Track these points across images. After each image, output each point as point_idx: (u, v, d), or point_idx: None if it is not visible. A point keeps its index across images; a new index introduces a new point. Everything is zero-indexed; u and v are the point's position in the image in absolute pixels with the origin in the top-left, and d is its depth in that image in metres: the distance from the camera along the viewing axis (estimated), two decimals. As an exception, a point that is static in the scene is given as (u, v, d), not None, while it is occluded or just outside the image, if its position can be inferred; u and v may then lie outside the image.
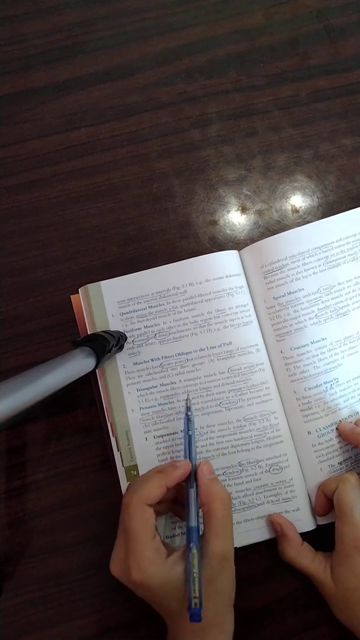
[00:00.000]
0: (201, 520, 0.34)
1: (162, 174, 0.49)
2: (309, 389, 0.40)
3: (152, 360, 0.41)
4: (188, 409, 0.39)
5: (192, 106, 0.51)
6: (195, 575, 0.30)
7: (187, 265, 0.42)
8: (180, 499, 0.37)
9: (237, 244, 0.47)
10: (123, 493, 0.39)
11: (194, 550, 0.31)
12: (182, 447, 0.40)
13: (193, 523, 0.33)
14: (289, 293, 0.41)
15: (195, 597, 0.30)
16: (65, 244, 0.47)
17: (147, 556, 0.31)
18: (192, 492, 0.34)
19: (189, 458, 0.36)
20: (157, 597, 0.32)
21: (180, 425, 0.40)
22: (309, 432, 0.40)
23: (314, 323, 0.41)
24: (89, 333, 0.41)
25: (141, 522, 0.32)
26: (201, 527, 0.34)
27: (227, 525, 0.33)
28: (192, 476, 0.35)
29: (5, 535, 0.41)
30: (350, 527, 0.34)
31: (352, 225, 0.43)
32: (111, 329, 0.42)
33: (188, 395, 0.40)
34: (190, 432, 0.37)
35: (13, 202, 0.48)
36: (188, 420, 0.38)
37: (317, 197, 0.48)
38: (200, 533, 0.33)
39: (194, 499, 0.34)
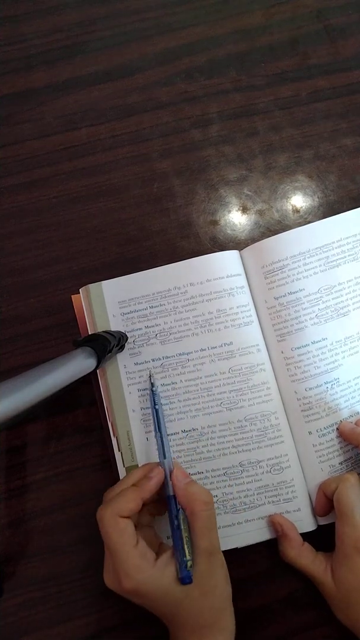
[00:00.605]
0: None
1: (163, 174, 0.49)
2: (310, 389, 0.40)
3: (153, 360, 0.41)
4: (152, 384, 0.40)
5: (192, 106, 0.50)
6: (186, 538, 0.33)
7: (187, 265, 0.42)
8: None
9: (237, 244, 0.47)
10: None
11: (182, 515, 0.34)
12: (182, 447, 0.40)
13: (171, 492, 0.35)
14: (290, 293, 0.41)
15: (188, 560, 0.32)
16: (66, 244, 0.47)
17: (133, 564, 0.31)
18: (165, 462, 0.36)
19: (159, 431, 0.38)
20: (152, 602, 0.32)
21: (182, 425, 0.40)
22: (310, 432, 0.40)
23: (315, 323, 0.41)
24: (89, 333, 0.41)
25: (118, 534, 0.32)
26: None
27: (211, 523, 0.34)
28: (164, 452, 0.36)
29: (5, 535, 0.40)
30: (350, 528, 0.34)
31: (353, 225, 0.43)
32: (112, 329, 0.42)
33: (150, 371, 0.41)
34: (157, 406, 0.39)
35: (13, 202, 0.48)
36: (153, 394, 0.39)
37: (318, 197, 0.48)
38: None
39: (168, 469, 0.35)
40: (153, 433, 0.40)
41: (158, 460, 0.37)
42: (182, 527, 0.33)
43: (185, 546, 0.33)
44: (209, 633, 0.32)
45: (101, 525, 0.32)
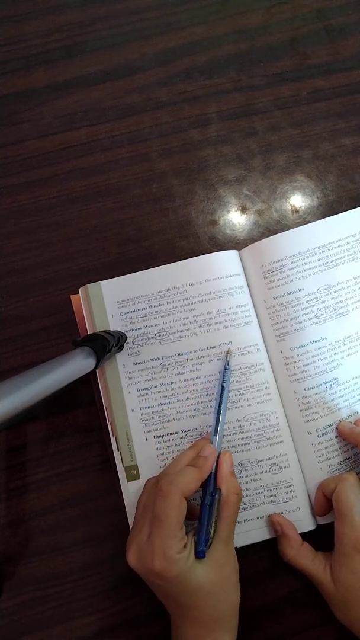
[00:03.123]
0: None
1: (162, 174, 0.49)
2: (309, 388, 0.40)
3: (152, 360, 0.41)
4: (227, 362, 0.40)
5: (192, 106, 0.51)
6: (215, 517, 0.34)
7: (187, 265, 0.42)
8: None
9: (237, 244, 0.47)
10: (123, 493, 0.39)
11: (218, 495, 0.35)
12: (182, 446, 0.40)
13: (213, 470, 0.36)
14: (289, 293, 0.41)
15: (211, 537, 0.34)
16: (65, 244, 0.47)
17: (175, 545, 0.32)
18: (216, 439, 0.37)
19: (219, 411, 0.38)
20: (171, 588, 0.32)
21: (181, 424, 0.40)
22: (309, 432, 0.40)
23: (314, 323, 0.41)
24: (89, 333, 0.41)
25: (177, 512, 0.32)
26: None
27: (236, 516, 0.35)
28: (216, 429, 0.38)
29: (5, 535, 0.41)
30: (349, 528, 0.34)
31: (352, 225, 0.43)
32: (111, 329, 0.42)
33: (229, 348, 0.41)
34: (224, 384, 0.39)
35: (13, 202, 0.48)
36: (225, 372, 0.40)
37: (317, 197, 0.48)
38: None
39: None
40: (153, 434, 0.40)
41: (160, 460, 0.37)
42: (216, 505, 0.35)
43: (212, 524, 0.34)
44: (219, 628, 0.33)
45: (164, 499, 0.32)
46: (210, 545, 0.33)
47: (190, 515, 0.34)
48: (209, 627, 0.32)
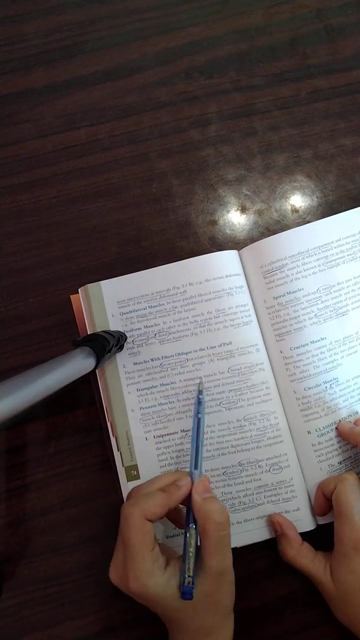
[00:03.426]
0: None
1: (162, 174, 0.49)
2: (309, 388, 0.40)
3: (152, 360, 0.41)
4: (200, 392, 0.39)
5: (191, 106, 0.51)
6: (191, 554, 0.32)
7: (186, 265, 0.42)
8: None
9: (236, 244, 0.47)
10: (123, 493, 0.39)
11: (192, 530, 0.33)
12: (182, 446, 0.40)
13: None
14: (289, 293, 0.41)
15: (189, 576, 0.31)
16: (65, 244, 0.47)
17: (145, 568, 0.31)
18: (195, 474, 0.35)
19: (197, 444, 0.37)
20: (155, 605, 0.32)
21: (181, 424, 0.40)
22: (309, 432, 0.40)
23: (314, 323, 0.41)
24: (88, 333, 0.41)
25: (140, 535, 0.31)
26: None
27: (223, 544, 0.32)
28: (196, 463, 0.36)
29: (5, 535, 0.41)
30: (349, 528, 0.34)
31: (352, 225, 0.43)
32: (111, 329, 0.42)
33: (202, 379, 0.40)
34: (199, 415, 0.38)
35: (13, 202, 0.48)
36: (199, 403, 0.39)
37: (317, 197, 0.48)
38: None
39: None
40: (153, 434, 0.40)
41: (160, 460, 0.37)
42: (190, 541, 0.33)
43: (188, 562, 0.32)
44: (212, 633, 0.32)
45: (125, 522, 0.32)
46: (193, 582, 0.31)
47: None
48: (202, 634, 0.32)
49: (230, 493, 0.39)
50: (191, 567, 0.32)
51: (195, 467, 0.36)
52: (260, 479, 0.39)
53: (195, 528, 0.33)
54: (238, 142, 0.49)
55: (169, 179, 0.49)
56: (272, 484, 0.39)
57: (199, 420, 0.38)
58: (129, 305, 0.42)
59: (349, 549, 0.34)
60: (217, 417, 0.40)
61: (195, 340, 0.41)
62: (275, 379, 0.41)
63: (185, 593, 0.31)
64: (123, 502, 0.39)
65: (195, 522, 0.33)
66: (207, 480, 0.35)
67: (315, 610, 0.38)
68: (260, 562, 0.40)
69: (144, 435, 0.40)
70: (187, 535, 0.33)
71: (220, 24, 0.53)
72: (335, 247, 0.42)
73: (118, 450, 0.40)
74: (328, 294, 0.41)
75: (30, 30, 0.53)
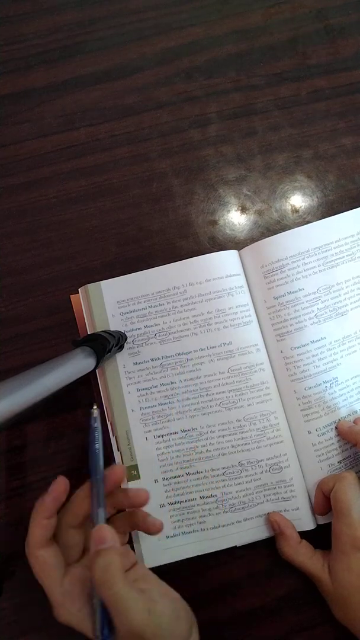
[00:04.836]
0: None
1: (162, 173, 0.49)
2: (309, 388, 0.40)
3: (152, 360, 0.41)
4: (94, 419, 0.33)
5: (191, 106, 0.50)
6: (97, 615, 0.29)
7: (187, 265, 0.42)
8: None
9: (237, 244, 0.47)
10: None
11: (96, 593, 0.30)
12: (182, 446, 0.40)
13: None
14: (289, 293, 0.41)
15: (97, 637, 0.29)
16: (65, 244, 0.47)
17: (58, 601, 0.31)
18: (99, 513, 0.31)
19: (96, 475, 0.33)
20: (82, 632, 0.31)
21: (181, 424, 0.40)
22: (309, 432, 0.40)
23: (314, 323, 0.41)
24: (89, 333, 0.41)
25: (38, 567, 0.31)
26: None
27: (119, 602, 0.28)
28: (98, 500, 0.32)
29: (5, 535, 0.41)
30: (347, 526, 0.34)
31: (352, 225, 0.43)
32: (111, 329, 0.42)
33: (95, 404, 0.34)
34: (97, 444, 0.33)
35: (13, 202, 0.48)
36: (91, 430, 0.33)
37: (317, 197, 0.48)
38: None
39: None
40: (153, 434, 0.40)
41: (160, 459, 0.36)
42: (95, 601, 0.30)
43: (95, 622, 0.29)
44: None
45: (29, 562, 0.31)
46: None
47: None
48: None
49: (230, 493, 0.39)
50: (98, 626, 0.29)
51: (99, 505, 0.32)
52: (260, 479, 0.40)
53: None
54: (238, 142, 0.49)
55: (169, 179, 0.49)
56: (272, 483, 0.39)
57: (96, 450, 0.33)
58: (129, 305, 0.42)
59: (347, 547, 0.34)
60: (217, 417, 0.40)
61: (196, 340, 0.41)
62: (275, 379, 0.41)
63: None
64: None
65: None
66: (107, 528, 0.31)
67: (314, 610, 0.38)
68: (260, 561, 0.40)
69: (144, 435, 0.40)
70: (94, 595, 0.30)
71: (220, 24, 0.53)
72: (335, 248, 0.42)
73: (118, 450, 0.40)
74: (328, 294, 0.41)
75: (30, 30, 0.53)
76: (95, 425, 0.33)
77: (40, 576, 0.31)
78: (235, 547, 0.39)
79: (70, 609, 0.30)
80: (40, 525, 0.31)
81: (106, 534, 0.30)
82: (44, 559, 0.31)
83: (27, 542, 0.32)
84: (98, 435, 0.33)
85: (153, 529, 0.34)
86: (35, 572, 0.31)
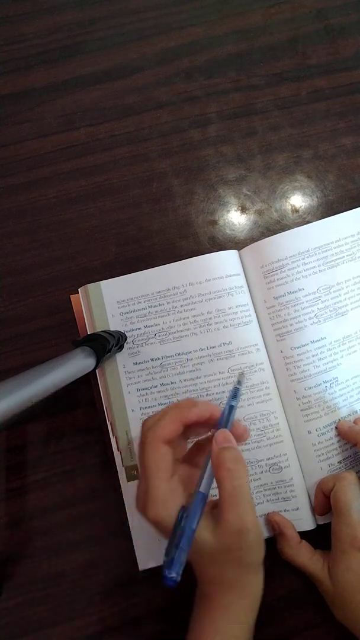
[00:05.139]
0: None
1: (162, 173, 0.49)
2: (309, 388, 0.40)
3: (152, 360, 0.41)
4: (239, 382, 0.35)
5: (191, 106, 0.51)
6: (182, 547, 0.28)
7: (187, 265, 0.42)
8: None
9: (237, 244, 0.47)
10: (123, 493, 0.39)
11: (183, 523, 0.29)
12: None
13: (200, 488, 0.30)
14: (289, 293, 0.41)
15: (167, 559, 0.28)
16: (65, 243, 0.47)
17: (161, 496, 0.30)
18: (207, 457, 0.32)
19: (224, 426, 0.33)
20: (164, 533, 0.30)
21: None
22: (309, 432, 0.40)
23: (314, 323, 0.41)
24: (88, 333, 0.41)
25: (155, 460, 0.30)
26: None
27: (238, 497, 0.29)
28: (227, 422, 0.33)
29: (5, 535, 0.41)
30: (346, 526, 0.34)
31: (352, 225, 0.43)
32: (111, 329, 0.42)
33: (243, 370, 0.40)
34: (233, 403, 0.34)
35: (13, 202, 0.48)
36: (236, 391, 0.35)
37: (317, 197, 0.48)
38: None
39: (208, 465, 0.31)
40: None
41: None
42: (184, 514, 0.29)
43: (185, 545, 0.28)
44: (228, 596, 0.30)
45: (142, 449, 0.31)
46: (176, 565, 0.27)
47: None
48: (225, 586, 0.30)
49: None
50: (178, 563, 0.27)
51: (226, 425, 0.33)
52: (260, 479, 0.39)
53: (199, 514, 0.30)
54: (238, 142, 0.49)
55: (169, 179, 0.49)
56: (272, 483, 0.39)
57: (231, 407, 0.34)
58: (129, 305, 0.42)
59: (347, 547, 0.34)
60: (217, 417, 0.40)
61: (195, 340, 0.41)
62: (275, 379, 0.41)
63: (167, 580, 0.27)
64: (123, 502, 0.39)
65: (192, 509, 0.30)
66: (231, 433, 0.32)
67: (315, 610, 0.38)
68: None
69: (144, 435, 0.40)
70: (182, 512, 0.29)
71: (220, 24, 0.53)
72: (335, 248, 0.42)
73: (118, 450, 0.40)
74: (328, 294, 0.41)
75: (30, 30, 0.53)
76: (238, 386, 0.35)
77: (152, 470, 0.30)
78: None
79: (172, 507, 0.29)
80: (177, 422, 0.31)
81: (229, 436, 0.32)
82: (164, 454, 0.30)
83: (152, 432, 0.31)
84: (238, 397, 0.34)
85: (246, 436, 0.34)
86: (148, 465, 0.30)
